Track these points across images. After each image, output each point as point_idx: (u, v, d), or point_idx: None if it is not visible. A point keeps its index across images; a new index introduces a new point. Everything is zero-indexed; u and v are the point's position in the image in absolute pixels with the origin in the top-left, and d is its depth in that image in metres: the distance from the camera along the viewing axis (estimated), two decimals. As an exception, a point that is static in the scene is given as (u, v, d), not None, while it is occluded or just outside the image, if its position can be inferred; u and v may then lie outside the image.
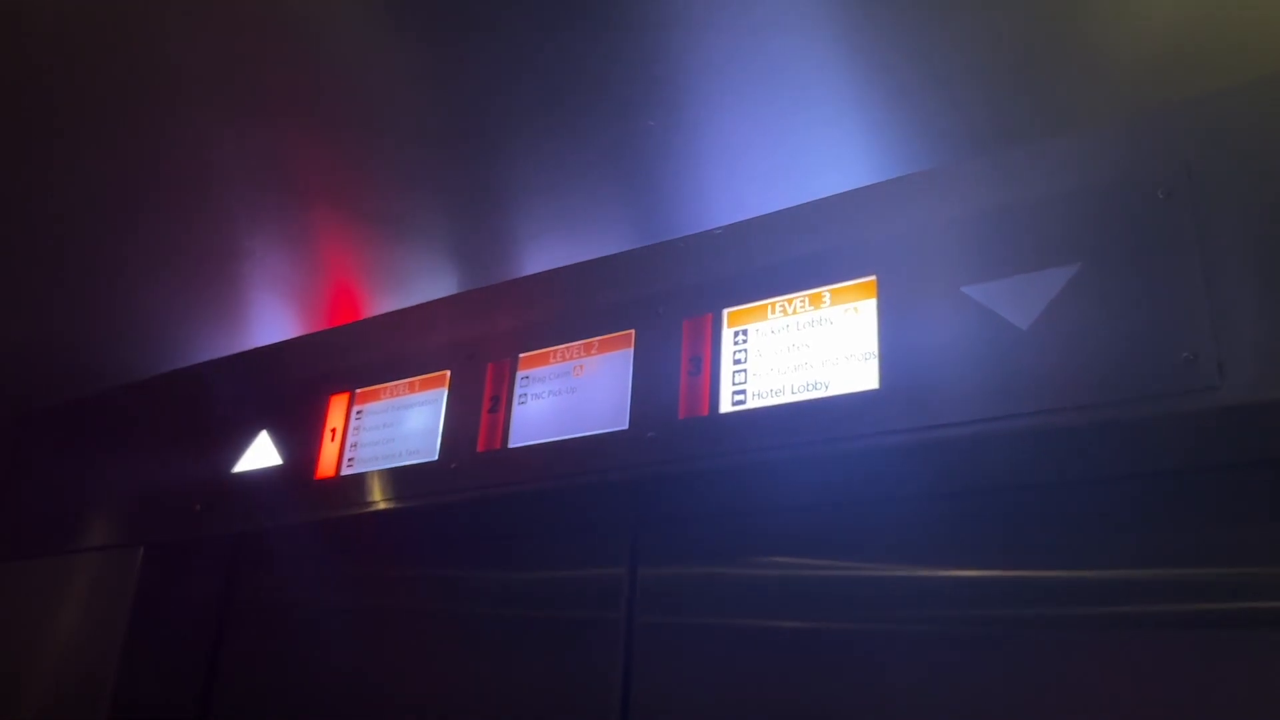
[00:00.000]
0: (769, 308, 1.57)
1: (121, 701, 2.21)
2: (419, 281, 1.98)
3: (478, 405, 1.87)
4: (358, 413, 2.08)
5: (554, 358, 1.81)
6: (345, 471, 2.02)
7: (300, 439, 2.14)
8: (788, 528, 1.66)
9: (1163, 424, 1.20)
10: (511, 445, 1.79)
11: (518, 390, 1.83)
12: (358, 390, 2.10)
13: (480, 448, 1.83)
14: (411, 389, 2.00)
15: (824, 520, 1.62)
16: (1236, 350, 1.15)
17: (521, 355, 1.85)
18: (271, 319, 2.20)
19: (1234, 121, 1.25)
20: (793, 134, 1.43)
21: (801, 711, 1.54)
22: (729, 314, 1.61)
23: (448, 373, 1.95)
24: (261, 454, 2.20)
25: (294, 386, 2.22)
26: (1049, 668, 1.36)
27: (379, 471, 1.96)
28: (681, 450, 1.57)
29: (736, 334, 1.59)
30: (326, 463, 2.07)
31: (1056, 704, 1.34)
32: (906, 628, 1.49)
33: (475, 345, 1.93)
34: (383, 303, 2.10)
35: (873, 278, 1.47)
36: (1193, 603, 1.29)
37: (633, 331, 1.72)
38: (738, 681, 1.62)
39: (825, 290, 1.52)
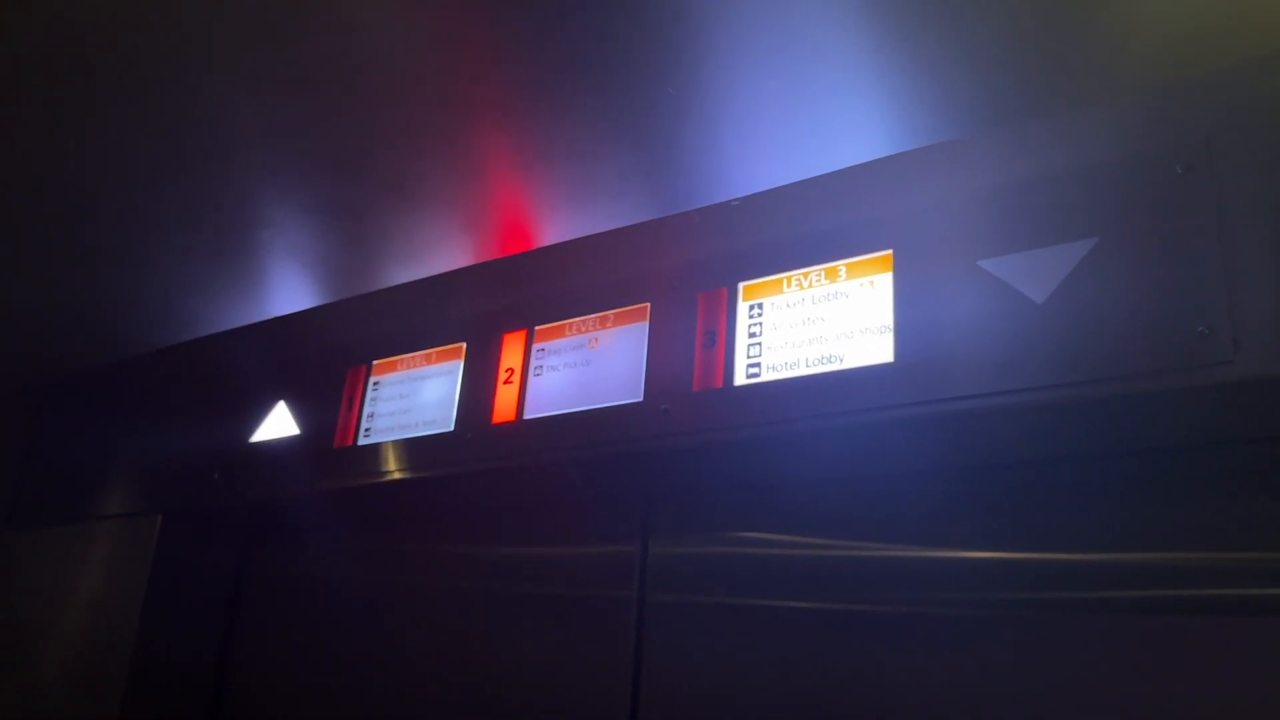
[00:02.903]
0: (784, 281, 1.58)
1: (139, 666, 2.24)
2: (436, 251, 1.99)
3: (494, 377, 1.88)
4: (374, 383, 2.09)
5: (570, 330, 1.82)
6: (362, 441, 2.04)
7: (317, 409, 2.16)
8: (800, 503, 1.67)
9: (1177, 398, 1.20)
10: (527, 416, 1.80)
11: (533, 362, 1.84)
12: (374, 361, 2.12)
13: (496, 419, 1.84)
14: (428, 360, 2.02)
15: (837, 496, 1.63)
16: (1251, 325, 1.15)
17: (537, 328, 1.87)
18: (290, 288, 2.21)
19: (1253, 96, 1.25)
20: (812, 103, 1.43)
21: (814, 690, 1.55)
22: (744, 287, 1.62)
23: (464, 345, 1.97)
24: (279, 424, 2.22)
25: (311, 357, 2.24)
26: (1065, 649, 1.37)
27: (395, 441, 1.98)
28: (695, 423, 1.58)
29: (752, 307, 1.60)
30: (343, 432, 2.09)
31: (1070, 685, 1.35)
32: (921, 608, 1.50)
33: (491, 317, 1.95)
34: (399, 273, 2.11)
35: (889, 252, 1.48)
36: (1203, 586, 1.30)
37: (648, 305, 1.72)
38: (749, 655, 1.64)
39: (841, 264, 1.53)
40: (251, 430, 2.27)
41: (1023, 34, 1.29)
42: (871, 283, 1.48)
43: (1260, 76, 1.25)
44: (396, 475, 1.95)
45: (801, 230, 1.59)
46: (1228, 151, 1.23)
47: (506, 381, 1.86)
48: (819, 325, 1.52)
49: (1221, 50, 1.30)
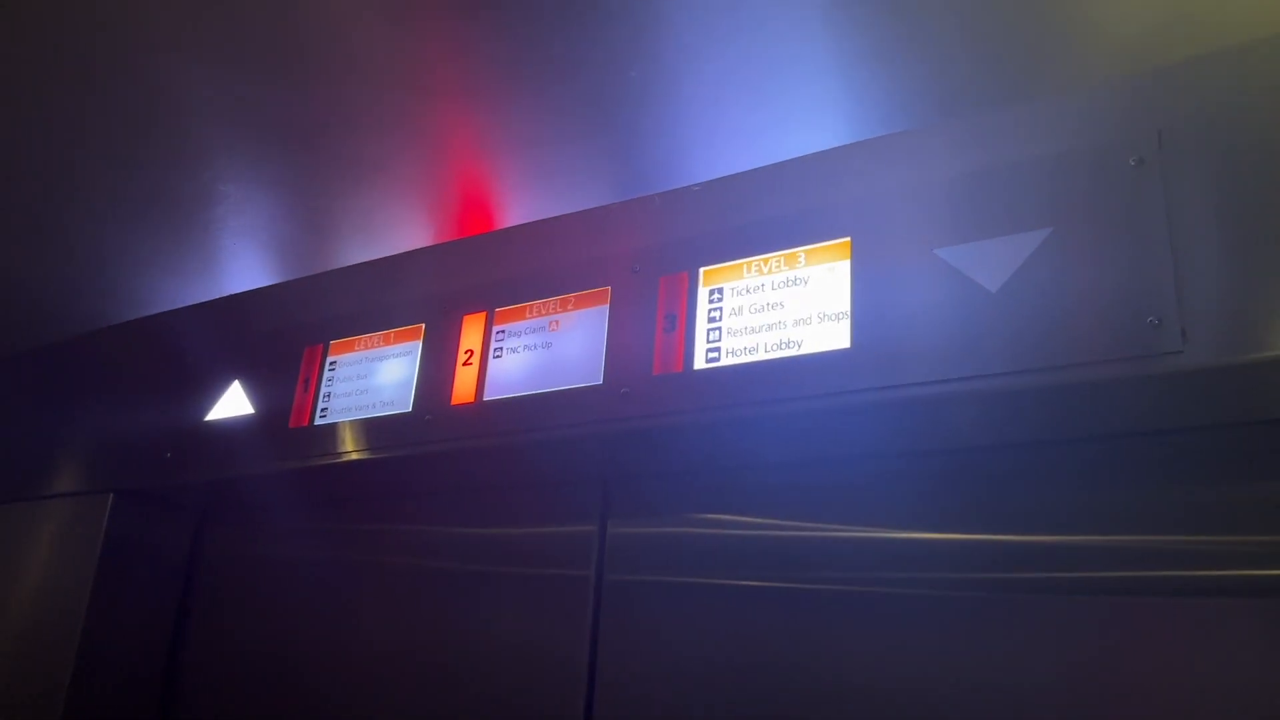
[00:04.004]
0: (745, 266, 1.59)
1: (88, 649, 2.21)
2: (396, 231, 1.97)
3: (453, 358, 1.87)
4: (331, 364, 2.07)
5: (530, 313, 1.81)
6: (318, 422, 2.02)
7: (273, 389, 2.14)
8: (756, 485, 1.68)
9: (1126, 387, 1.23)
10: (486, 398, 1.79)
11: (493, 344, 1.84)
12: (331, 341, 2.09)
13: (454, 401, 1.83)
14: (386, 341, 2.00)
15: (794, 479, 1.65)
16: (1199, 316, 1.18)
17: (497, 309, 1.86)
18: (245, 266, 2.18)
19: (1204, 92, 1.27)
20: (773, 90, 1.44)
21: (769, 672, 1.57)
22: (705, 272, 1.62)
23: (422, 325, 1.95)
24: (234, 403, 2.19)
25: (267, 336, 2.21)
26: (1018, 629, 1.39)
27: (352, 422, 1.96)
28: (654, 406, 1.58)
29: (712, 292, 1.61)
30: (299, 413, 2.07)
31: (1020, 665, 1.38)
32: (875, 589, 1.52)
33: (451, 298, 1.93)
34: (357, 252, 2.09)
35: (847, 239, 1.49)
36: (1150, 569, 1.33)
37: (609, 288, 1.72)
38: (704, 638, 1.65)
39: (800, 250, 1.54)
40: (206, 409, 2.23)
41: (981, 26, 1.30)
42: (830, 269, 1.49)
43: (1211, 73, 1.27)
44: (353, 456, 1.94)
45: (762, 216, 1.60)
46: (1179, 146, 1.26)
47: (466, 363, 1.85)
48: (778, 311, 1.52)
49: (1174, 46, 1.32)
